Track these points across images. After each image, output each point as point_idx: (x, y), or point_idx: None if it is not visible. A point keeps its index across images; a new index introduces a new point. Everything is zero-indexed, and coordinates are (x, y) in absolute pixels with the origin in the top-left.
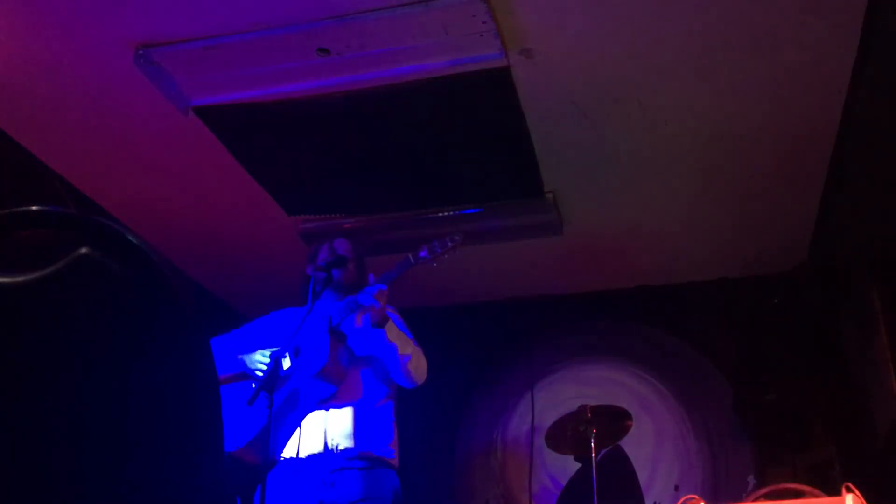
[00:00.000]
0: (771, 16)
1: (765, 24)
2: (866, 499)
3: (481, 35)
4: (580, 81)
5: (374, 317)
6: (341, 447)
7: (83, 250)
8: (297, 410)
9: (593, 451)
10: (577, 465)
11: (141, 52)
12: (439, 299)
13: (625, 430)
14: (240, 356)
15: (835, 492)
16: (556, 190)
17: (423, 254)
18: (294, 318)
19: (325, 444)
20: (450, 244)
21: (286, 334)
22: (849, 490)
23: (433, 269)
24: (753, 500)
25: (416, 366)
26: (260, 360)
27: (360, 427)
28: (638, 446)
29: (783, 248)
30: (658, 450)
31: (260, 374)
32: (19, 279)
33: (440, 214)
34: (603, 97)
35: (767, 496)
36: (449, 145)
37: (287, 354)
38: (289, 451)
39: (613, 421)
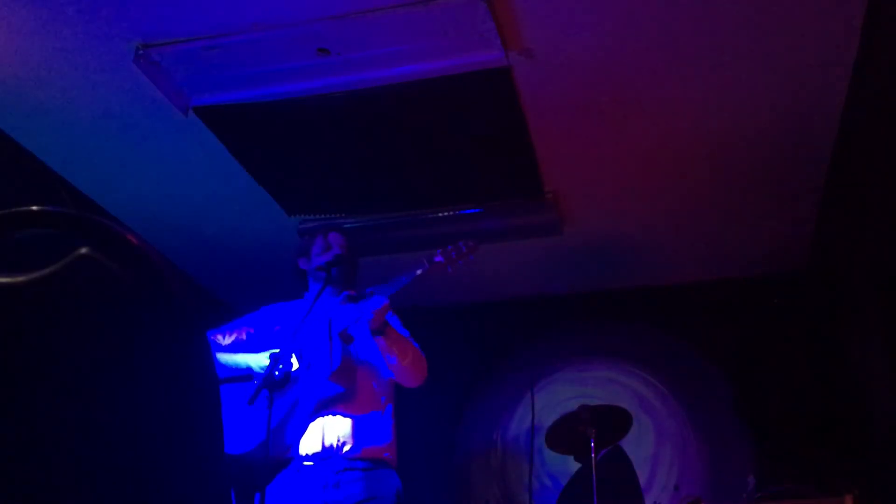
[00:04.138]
0: (771, 16)
1: (765, 25)
2: (866, 499)
3: (481, 35)
4: (580, 81)
5: (372, 325)
6: (345, 448)
7: (83, 250)
8: (305, 412)
9: (593, 451)
10: (577, 465)
11: (141, 51)
12: (439, 299)
13: (625, 430)
14: (241, 357)
15: (835, 492)
16: (556, 190)
17: (438, 258)
18: (289, 313)
19: (326, 447)
20: (464, 249)
21: (286, 332)
22: (849, 490)
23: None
24: (753, 501)
25: (416, 368)
26: (265, 361)
27: (360, 428)
28: (638, 446)
29: (783, 248)
30: (658, 450)
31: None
32: (19, 279)
33: (440, 214)
34: (603, 97)
35: (767, 496)
36: (449, 145)
37: (293, 355)
38: (291, 453)
39: (613, 421)
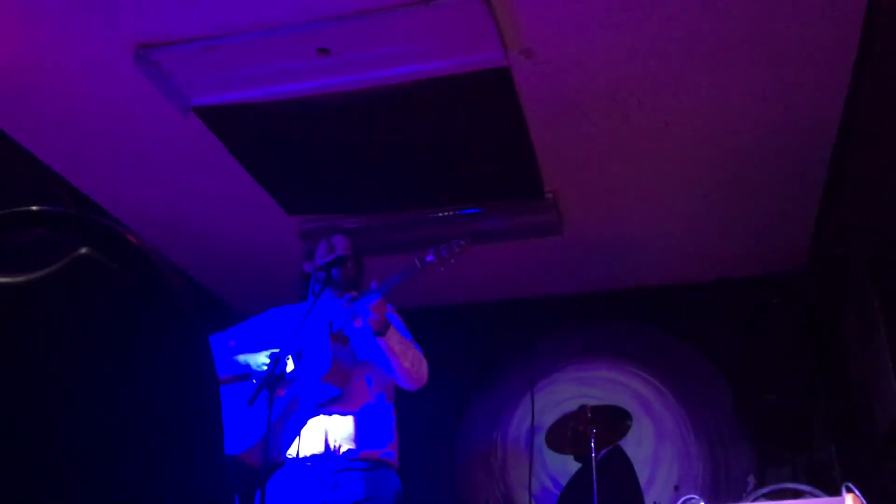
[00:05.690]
0: (771, 16)
1: (765, 24)
2: (866, 499)
3: (481, 35)
4: (580, 81)
5: (374, 326)
6: (343, 449)
7: (83, 250)
8: (301, 414)
9: (593, 451)
10: (577, 465)
11: (141, 52)
12: (439, 299)
13: (625, 430)
14: (242, 356)
15: (835, 492)
16: (556, 190)
17: (429, 258)
18: (293, 316)
19: (327, 446)
20: (456, 249)
21: (286, 333)
22: (849, 490)
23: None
24: (753, 500)
25: (418, 371)
26: (264, 361)
27: (361, 429)
28: (638, 446)
29: (783, 248)
30: (658, 450)
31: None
32: (19, 279)
33: (440, 214)
34: (603, 97)
35: (767, 496)
36: (449, 145)
37: (290, 356)
38: (290, 453)
39: (613, 421)
